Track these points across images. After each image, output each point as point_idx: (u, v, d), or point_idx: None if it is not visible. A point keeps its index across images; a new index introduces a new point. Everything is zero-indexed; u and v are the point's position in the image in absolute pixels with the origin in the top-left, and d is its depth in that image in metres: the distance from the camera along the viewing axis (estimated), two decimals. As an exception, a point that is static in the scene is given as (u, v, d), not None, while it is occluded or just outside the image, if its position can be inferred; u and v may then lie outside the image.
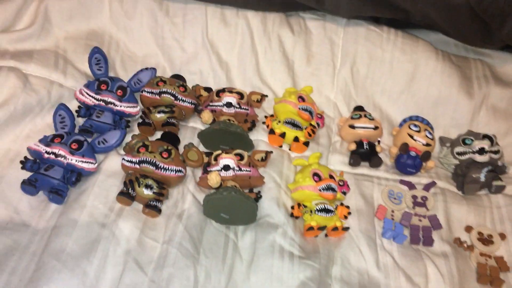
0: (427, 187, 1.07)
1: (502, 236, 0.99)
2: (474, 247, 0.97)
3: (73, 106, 1.07)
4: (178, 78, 1.16)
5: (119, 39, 1.21)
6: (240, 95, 1.12)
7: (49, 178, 0.92)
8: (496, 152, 1.09)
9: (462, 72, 1.21)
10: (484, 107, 1.19)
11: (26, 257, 0.83)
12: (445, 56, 1.22)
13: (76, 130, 1.04)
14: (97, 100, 1.05)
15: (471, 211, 1.04)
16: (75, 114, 1.05)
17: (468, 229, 1.00)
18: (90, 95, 1.06)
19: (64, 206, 0.91)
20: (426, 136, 1.11)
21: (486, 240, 0.98)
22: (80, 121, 1.06)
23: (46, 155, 0.94)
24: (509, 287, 0.92)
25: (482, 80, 1.21)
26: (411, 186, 1.07)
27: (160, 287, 0.82)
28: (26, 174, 0.93)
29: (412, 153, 1.09)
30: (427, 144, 1.10)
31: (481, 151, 1.08)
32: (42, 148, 0.95)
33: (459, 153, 1.10)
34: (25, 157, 0.94)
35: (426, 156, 1.08)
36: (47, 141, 0.96)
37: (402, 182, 1.08)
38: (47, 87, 1.07)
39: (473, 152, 1.08)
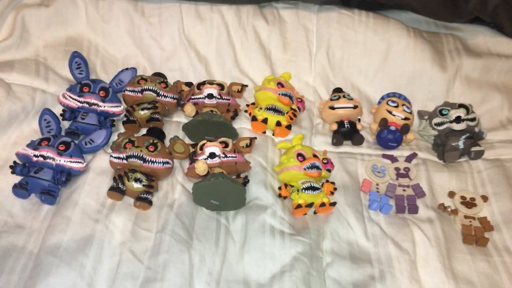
0: (409, 159, 1.10)
1: (484, 198, 1.02)
2: (458, 211, 1.00)
3: (58, 111, 1.08)
4: (159, 76, 1.18)
5: (98, 43, 1.23)
6: (221, 86, 1.14)
7: (39, 180, 0.93)
8: (472, 120, 1.12)
9: (434, 47, 1.24)
10: (458, 79, 1.22)
11: (24, 256, 0.85)
12: (416, 32, 1.25)
13: (63, 133, 1.05)
14: (81, 102, 1.07)
15: (452, 177, 1.07)
16: (60, 118, 1.07)
17: (451, 194, 1.03)
18: (73, 98, 1.08)
19: (56, 206, 0.93)
20: (404, 110, 1.14)
21: (469, 203, 1.01)
22: (66, 124, 1.08)
23: (34, 158, 0.96)
24: (494, 245, 0.95)
25: (454, 53, 1.25)
26: (393, 159, 1.10)
27: (157, 273, 0.84)
28: (17, 179, 0.94)
29: (392, 128, 1.11)
30: (406, 118, 1.13)
31: (458, 119, 1.11)
32: (30, 152, 0.96)
33: (437, 124, 1.13)
34: (14, 162, 0.96)
35: (405, 129, 1.11)
36: (35, 145, 0.98)
37: (385, 156, 1.11)
38: (30, 94, 1.09)
39: (450, 121, 1.11)
